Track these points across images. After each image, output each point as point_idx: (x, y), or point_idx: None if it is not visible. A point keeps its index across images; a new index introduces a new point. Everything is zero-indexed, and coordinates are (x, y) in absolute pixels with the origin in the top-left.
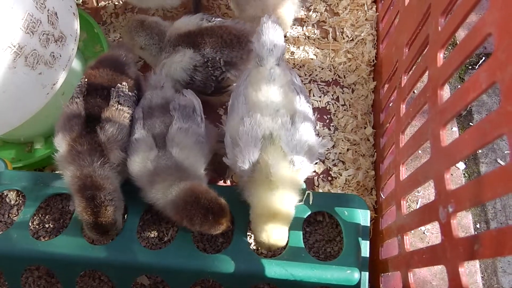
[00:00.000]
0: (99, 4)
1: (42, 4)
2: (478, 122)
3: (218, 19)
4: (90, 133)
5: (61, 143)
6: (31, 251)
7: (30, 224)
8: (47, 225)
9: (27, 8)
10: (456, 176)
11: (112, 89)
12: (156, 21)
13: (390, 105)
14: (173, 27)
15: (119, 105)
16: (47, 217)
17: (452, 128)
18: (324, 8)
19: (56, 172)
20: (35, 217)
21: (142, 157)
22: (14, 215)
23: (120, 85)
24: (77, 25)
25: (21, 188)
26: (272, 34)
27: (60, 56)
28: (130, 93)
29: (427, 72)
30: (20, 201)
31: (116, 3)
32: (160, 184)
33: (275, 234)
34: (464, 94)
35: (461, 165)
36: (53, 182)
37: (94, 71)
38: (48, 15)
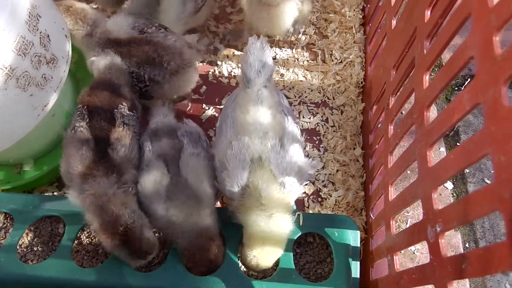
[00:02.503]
0: None
1: (34, 26)
2: (463, 142)
3: (152, 28)
4: (103, 158)
5: (74, 174)
6: (18, 274)
7: (18, 247)
8: (35, 248)
9: (20, 30)
10: (445, 195)
11: (115, 110)
12: (83, 8)
13: (379, 126)
14: (105, 27)
15: (125, 126)
16: (35, 240)
17: (440, 149)
18: (314, 31)
19: (46, 194)
20: (23, 240)
21: (154, 182)
22: (2, 238)
23: (121, 106)
24: (69, 47)
25: (9, 211)
26: (260, 55)
27: (52, 77)
28: (131, 113)
29: (413, 93)
30: (8, 224)
31: None
32: (176, 208)
33: (268, 257)
34: (449, 115)
35: (449, 185)
36: (42, 204)
37: (91, 97)
38: (40, 37)
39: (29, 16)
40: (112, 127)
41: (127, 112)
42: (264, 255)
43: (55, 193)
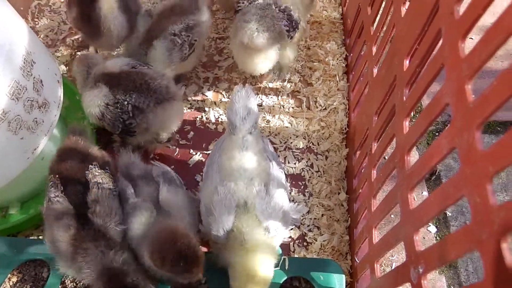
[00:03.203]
0: None
1: (29, 72)
2: (442, 185)
3: (144, 67)
4: (86, 223)
5: (61, 246)
6: None
7: None
8: None
9: (14, 75)
10: (428, 239)
11: (86, 172)
12: (93, 57)
13: (362, 171)
14: (102, 65)
15: (99, 185)
16: (18, 284)
17: (422, 193)
18: (298, 78)
19: (31, 238)
20: (5, 285)
21: (143, 223)
22: None
23: (91, 166)
24: (60, 92)
25: None
26: (245, 103)
27: (43, 122)
28: (103, 170)
29: (395, 139)
30: None
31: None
32: None
33: None
34: (428, 159)
35: (432, 229)
36: (27, 248)
37: (61, 164)
38: (33, 83)
39: (24, 62)
40: (87, 190)
41: (99, 170)
42: None
43: (40, 237)
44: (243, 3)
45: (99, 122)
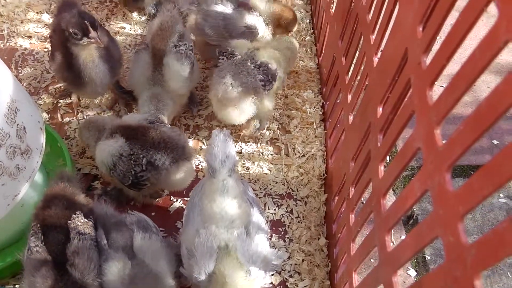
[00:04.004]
0: (64, 120)
1: (12, 119)
2: (417, 226)
3: (162, 124)
4: (64, 275)
5: None
6: None
7: None
8: None
9: None
10: (408, 283)
11: (69, 222)
12: (101, 119)
13: (341, 215)
14: (120, 119)
15: (80, 235)
16: None
17: (401, 236)
18: (277, 126)
19: (7, 287)
20: None
21: (118, 273)
22: None
23: (74, 216)
24: (43, 139)
25: None
26: (223, 147)
27: (25, 168)
28: (86, 220)
29: (371, 183)
30: None
31: (80, 119)
32: None
33: None
34: (403, 202)
35: (412, 272)
36: None
37: (45, 211)
38: (17, 129)
39: (8, 110)
40: (68, 239)
41: (82, 220)
42: None
43: (16, 286)
44: (223, 59)
45: (108, 172)
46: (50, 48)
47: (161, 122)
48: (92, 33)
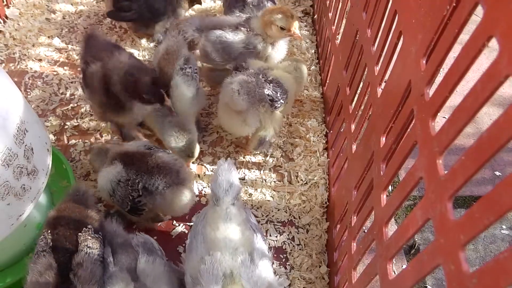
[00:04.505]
0: (70, 142)
1: (21, 140)
2: (418, 255)
3: (160, 150)
4: (65, 283)
5: None
6: None
7: None
8: None
9: (7, 143)
10: None
11: (79, 234)
12: (107, 146)
13: (343, 244)
14: (121, 146)
15: (88, 249)
16: None
17: (402, 266)
18: (280, 154)
19: None
20: None
21: None
22: None
23: (85, 229)
24: (49, 160)
25: None
26: (227, 176)
27: (31, 188)
28: (96, 235)
29: (373, 212)
30: None
31: (86, 141)
32: None
33: None
34: (405, 231)
35: None
36: None
37: (57, 220)
38: (25, 150)
39: (18, 130)
40: (75, 251)
41: (92, 234)
42: None
43: None
44: (236, 73)
45: (109, 198)
46: (82, 77)
47: (159, 148)
48: (168, 102)
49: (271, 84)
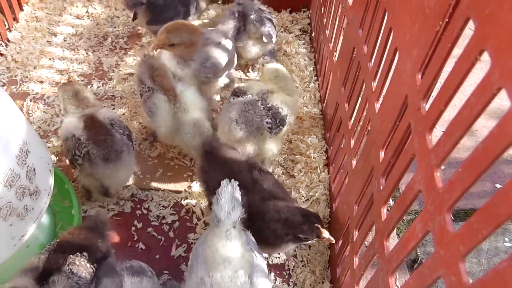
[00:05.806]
0: None
1: (23, 160)
2: (419, 267)
3: (120, 129)
4: None
5: None
6: None
7: None
8: None
9: (10, 163)
10: None
11: (70, 256)
12: (87, 97)
13: (345, 259)
14: (96, 110)
15: (70, 274)
16: None
17: (405, 281)
18: (282, 171)
19: None
20: None
21: None
22: None
23: (80, 254)
24: (51, 180)
25: None
26: (230, 198)
27: (33, 209)
28: (88, 264)
29: (374, 226)
30: None
31: None
32: None
33: None
34: (405, 244)
35: None
36: None
37: (67, 240)
38: (27, 171)
39: (20, 152)
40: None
41: (83, 262)
42: None
43: None
44: (234, 98)
45: (62, 142)
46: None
47: (122, 128)
48: (325, 233)
49: (270, 112)
